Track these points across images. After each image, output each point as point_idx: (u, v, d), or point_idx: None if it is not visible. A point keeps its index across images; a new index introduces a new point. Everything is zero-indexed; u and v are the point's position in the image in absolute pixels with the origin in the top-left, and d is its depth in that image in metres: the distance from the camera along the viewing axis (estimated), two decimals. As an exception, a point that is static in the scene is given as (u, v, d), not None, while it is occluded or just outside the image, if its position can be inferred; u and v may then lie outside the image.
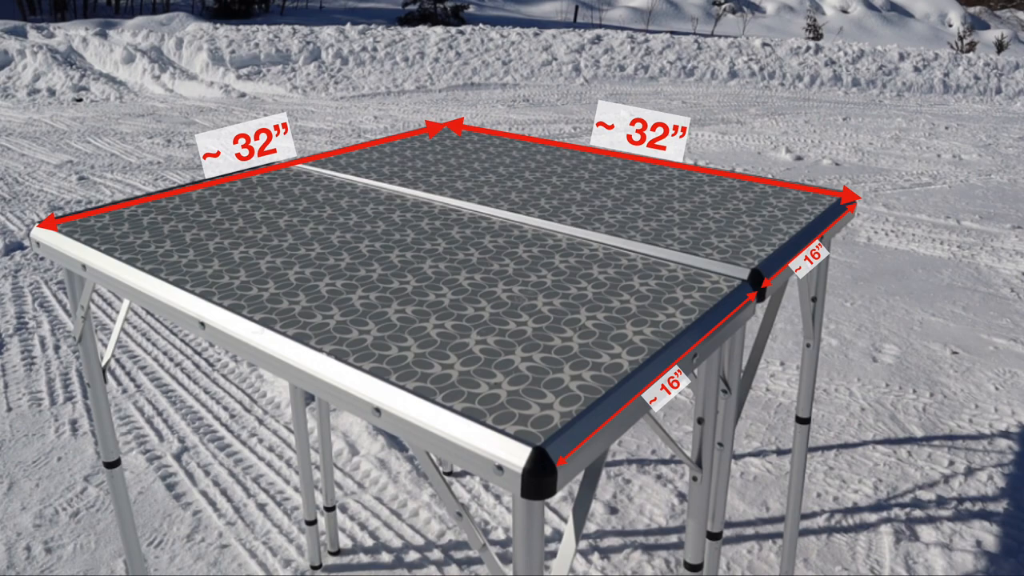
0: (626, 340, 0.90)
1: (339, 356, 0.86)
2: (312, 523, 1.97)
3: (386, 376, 0.82)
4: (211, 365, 3.03)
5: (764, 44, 11.33)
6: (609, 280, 1.05)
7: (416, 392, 0.79)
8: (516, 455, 0.70)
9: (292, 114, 7.93)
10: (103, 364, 1.40)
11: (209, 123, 7.44)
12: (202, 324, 0.98)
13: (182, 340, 3.21)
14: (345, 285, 1.03)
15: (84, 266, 1.17)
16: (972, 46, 15.40)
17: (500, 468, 0.71)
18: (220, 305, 0.98)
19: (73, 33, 10.92)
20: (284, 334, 0.90)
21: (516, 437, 0.72)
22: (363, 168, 1.58)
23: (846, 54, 10.90)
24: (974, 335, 3.29)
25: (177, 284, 1.04)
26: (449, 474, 2.41)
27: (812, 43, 11.28)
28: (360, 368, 0.83)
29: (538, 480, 0.69)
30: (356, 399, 0.81)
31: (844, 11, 21.19)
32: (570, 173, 1.55)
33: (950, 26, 19.80)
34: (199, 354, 3.11)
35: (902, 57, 10.95)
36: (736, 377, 1.20)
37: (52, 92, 9.12)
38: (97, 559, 2.06)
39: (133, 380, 2.92)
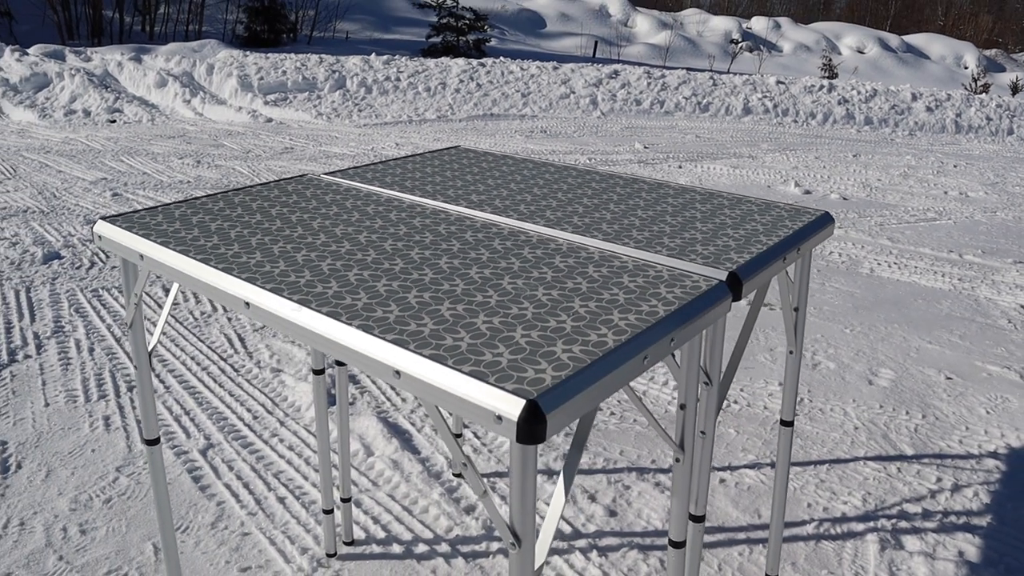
0: (612, 324, 1.04)
1: (366, 329, 1.01)
2: (329, 512, 2.11)
3: (406, 345, 0.97)
4: (236, 371, 3.19)
5: (778, 82, 11.53)
6: (602, 277, 1.20)
7: (430, 358, 0.94)
8: (513, 407, 0.85)
9: (316, 139, 8.18)
10: (149, 349, 1.56)
11: (237, 146, 7.69)
12: (247, 304, 1.13)
13: (208, 347, 3.38)
14: (371, 275, 1.19)
15: (141, 256, 1.33)
16: (986, 88, 15.55)
17: (499, 418, 0.85)
18: (263, 288, 1.13)
19: (109, 57, 11.29)
20: (319, 311, 1.06)
21: (513, 392, 0.86)
22: (387, 180, 1.74)
23: (859, 93, 11.07)
24: (969, 362, 3.40)
25: (225, 271, 1.20)
26: (458, 475, 2.54)
27: (826, 81, 11.47)
28: (384, 339, 0.98)
29: (531, 428, 0.84)
30: (380, 364, 0.96)
31: (860, 51, 21.42)
32: (575, 190, 1.70)
33: (966, 68, 19.97)
34: (224, 360, 3.27)
35: (915, 97, 11.10)
36: (717, 371, 1.34)
37: (88, 113, 9.43)
38: (127, 541, 2.21)
39: (163, 382, 3.08)
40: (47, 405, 2.90)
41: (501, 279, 1.18)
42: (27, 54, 11.64)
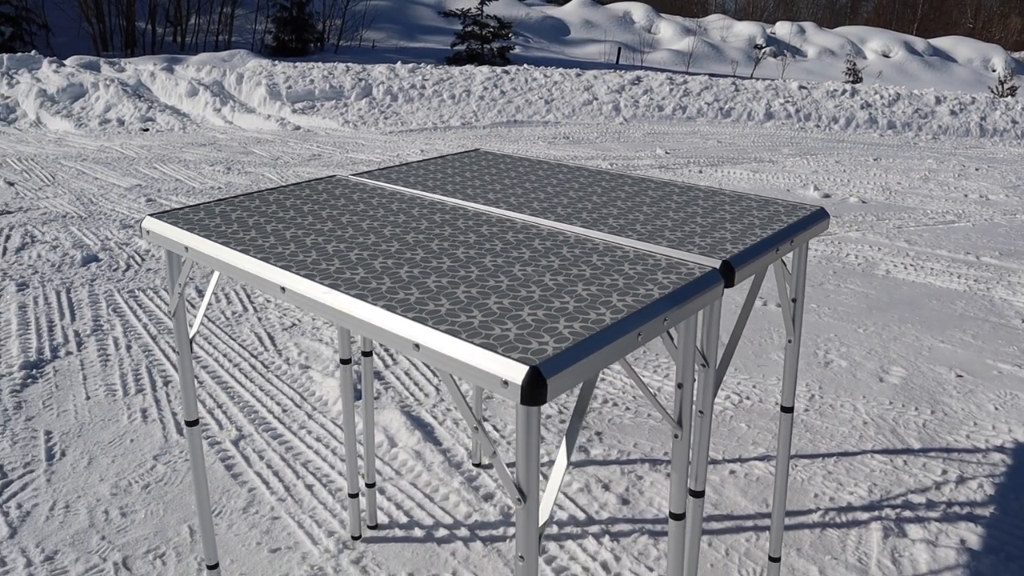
0: (611, 304, 1.15)
1: (389, 309, 1.12)
2: (354, 496, 2.23)
3: (424, 322, 1.08)
4: (266, 367, 3.33)
5: (801, 87, 11.55)
6: (604, 265, 1.31)
7: (446, 332, 1.05)
8: (517, 373, 0.96)
9: (343, 146, 8.35)
10: (191, 336, 1.69)
11: (266, 153, 7.89)
12: (283, 288, 1.26)
13: (239, 344, 3.52)
14: (394, 263, 1.31)
15: (186, 248, 1.46)
16: (1013, 90, 15.41)
17: (506, 383, 0.97)
18: (297, 274, 1.26)
19: (142, 68, 11.58)
20: (347, 294, 1.18)
21: (518, 360, 0.98)
22: (411, 181, 1.87)
23: (882, 97, 11.06)
24: (980, 360, 3.45)
25: (263, 260, 1.32)
26: (478, 465, 2.65)
27: (849, 86, 11.47)
28: (405, 316, 1.10)
29: (533, 391, 0.95)
30: (401, 338, 1.08)
31: (886, 55, 21.30)
32: (585, 188, 1.81)
33: (993, 71, 19.79)
34: (255, 357, 3.41)
35: (939, 100, 11.07)
36: (714, 354, 1.44)
37: (121, 122, 9.70)
38: (165, 523, 2.34)
39: (196, 377, 3.22)
40: (88, 398, 3.05)
41: (512, 266, 1.30)
42: (64, 65, 11.98)
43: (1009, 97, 12.27)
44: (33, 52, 12.72)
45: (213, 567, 1.96)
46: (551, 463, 2.66)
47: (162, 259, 4.60)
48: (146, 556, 2.21)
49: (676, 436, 1.37)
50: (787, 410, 1.84)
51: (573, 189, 1.81)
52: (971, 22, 35.78)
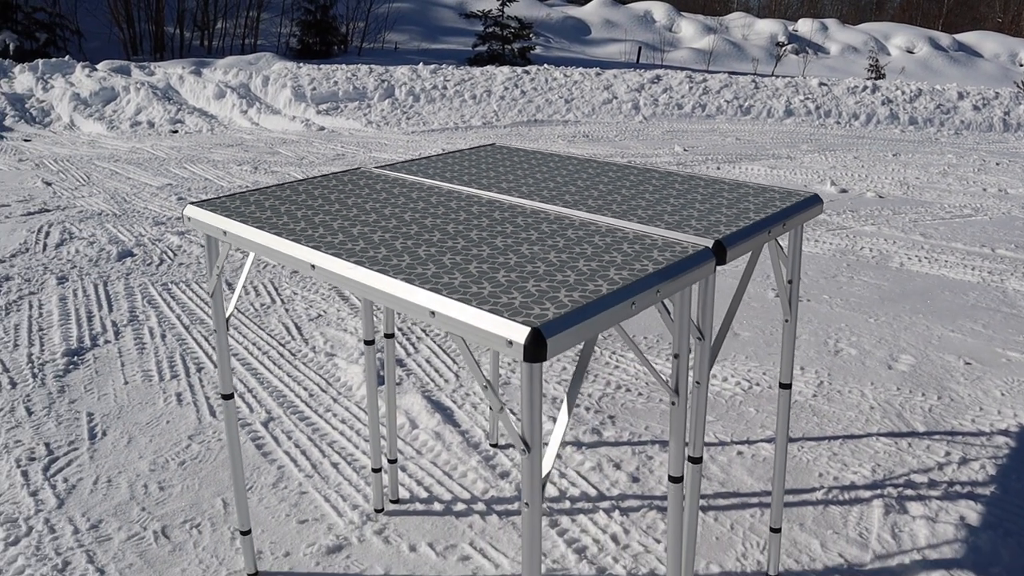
0: (608, 277, 1.27)
1: (408, 281, 1.25)
2: (377, 471, 2.36)
3: (439, 292, 1.21)
4: (293, 355, 3.47)
5: (821, 84, 11.56)
6: (605, 245, 1.43)
7: (459, 300, 1.18)
8: (520, 334, 1.08)
9: (366, 146, 8.52)
10: (227, 315, 1.83)
11: (291, 153, 8.08)
12: (313, 266, 1.39)
13: (268, 334, 3.67)
14: (413, 243, 1.43)
15: (224, 232, 1.60)
16: (1039, 86, 15.25)
17: (511, 343, 1.09)
18: (326, 253, 1.39)
19: (171, 71, 11.85)
20: (371, 269, 1.30)
21: (522, 323, 1.10)
22: (430, 172, 1.99)
23: (904, 93, 11.04)
24: (989, 349, 3.52)
25: (294, 241, 1.45)
26: (495, 446, 2.78)
27: (870, 82, 11.45)
28: (422, 287, 1.22)
29: (534, 349, 1.07)
30: (419, 307, 1.21)
31: (910, 51, 21.15)
32: (593, 178, 1.93)
33: (1021, 65, 19.58)
34: (283, 345, 3.56)
35: (961, 96, 11.03)
36: (709, 327, 1.55)
37: (151, 124, 9.95)
38: (200, 497, 2.49)
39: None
40: (126, 383, 3.22)
41: (520, 246, 1.42)
42: (96, 70, 12.28)
43: (1034, 92, 12.18)
44: (67, 57, 13.05)
45: (246, 533, 2.10)
46: (578, 444, 2.78)
47: (193, 254, 4.78)
48: (183, 526, 2.35)
49: (673, 403, 1.49)
50: (785, 387, 1.94)
51: (581, 179, 1.92)
52: (1000, 16, 35.29)
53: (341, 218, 1.59)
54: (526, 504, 1.20)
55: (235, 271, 4.49)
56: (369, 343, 2.20)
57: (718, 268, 4.61)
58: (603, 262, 1.34)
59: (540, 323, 1.09)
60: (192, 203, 1.72)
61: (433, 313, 1.19)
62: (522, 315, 1.12)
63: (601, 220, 1.57)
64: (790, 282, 1.85)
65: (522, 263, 1.33)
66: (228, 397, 1.92)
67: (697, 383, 1.58)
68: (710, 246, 1.43)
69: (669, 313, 1.48)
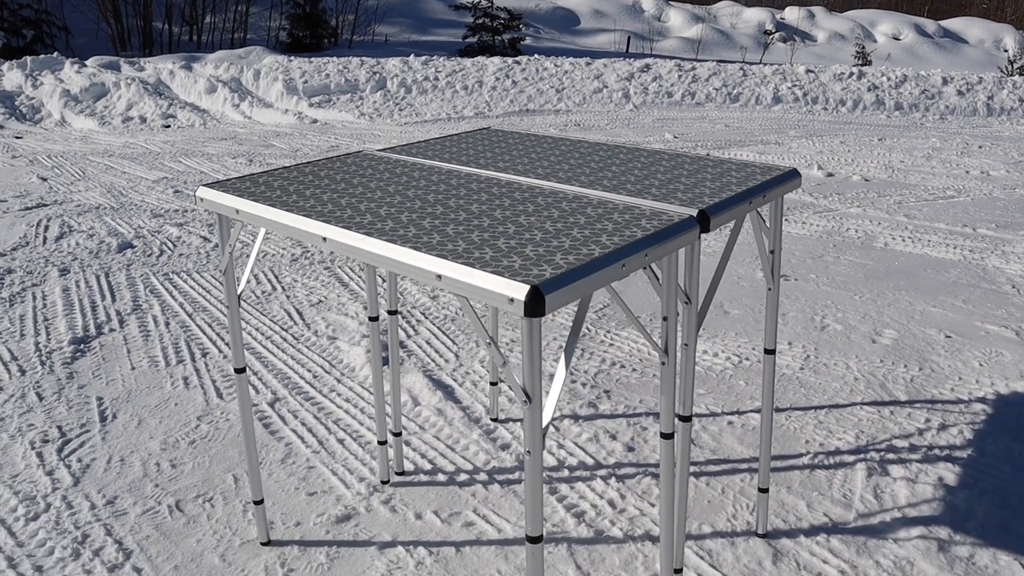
0: (601, 243, 1.37)
1: (416, 248, 1.35)
2: (383, 443, 2.46)
3: (445, 257, 1.31)
4: (296, 339, 3.57)
5: (808, 71, 11.67)
6: (597, 215, 1.53)
7: (464, 263, 1.28)
8: (521, 291, 1.18)
9: (360, 138, 8.59)
10: (239, 292, 1.92)
11: (285, 146, 8.14)
12: (324, 238, 1.48)
13: (271, 320, 3.76)
14: (418, 216, 1.53)
15: (237, 210, 1.69)
16: (1023, 69, 15.42)
17: (512, 300, 1.19)
18: (336, 226, 1.48)
19: (161, 66, 11.87)
20: (380, 239, 1.40)
21: (522, 282, 1.20)
22: (429, 154, 2.09)
23: (889, 79, 11.16)
24: (969, 323, 3.64)
25: (305, 216, 1.55)
26: (495, 420, 2.88)
27: (856, 69, 11.57)
28: (429, 253, 1.32)
29: (534, 304, 1.17)
30: (426, 271, 1.30)
31: (896, 38, 21.28)
32: (584, 157, 2.03)
33: (1005, 51, 19.75)
34: (285, 330, 3.65)
35: (945, 81, 11.16)
36: (695, 292, 1.66)
37: (143, 119, 9.99)
38: (211, 473, 2.59)
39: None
40: (133, 369, 3.30)
41: (518, 217, 1.52)
42: (85, 66, 12.29)
43: (1018, 76, 12.33)
44: (55, 54, 13.04)
45: (259, 503, 2.20)
46: (575, 416, 2.88)
47: (192, 245, 4.85)
48: (196, 500, 2.45)
49: (663, 363, 1.59)
50: (769, 352, 2.05)
51: (573, 158, 2.02)
52: (985, 3, 35.46)
53: (348, 195, 1.69)
54: (528, 452, 1.30)
55: (237, 259, 4.57)
56: (373, 319, 2.29)
57: (705, 241, 4.71)
58: (595, 230, 1.44)
59: (538, 282, 1.19)
60: (205, 185, 1.81)
61: (439, 276, 1.28)
62: (522, 275, 1.22)
63: (593, 194, 1.67)
64: (772, 252, 1.95)
65: (520, 231, 1.43)
66: (240, 371, 2.02)
67: (685, 345, 1.69)
68: (695, 215, 1.53)
69: (658, 279, 1.58)
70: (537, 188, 1.73)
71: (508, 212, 1.55)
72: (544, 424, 1.29)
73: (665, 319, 1.56)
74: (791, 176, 1.87)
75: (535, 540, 1.35)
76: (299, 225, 1.54)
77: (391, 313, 2.36)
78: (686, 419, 1.75)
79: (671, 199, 1.63)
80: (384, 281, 4.06)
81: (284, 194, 1.72)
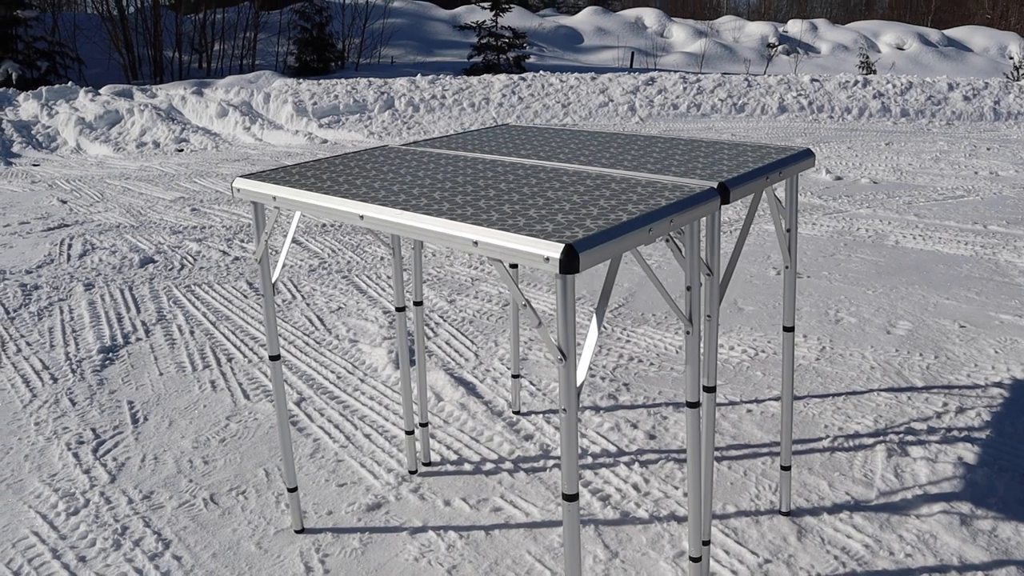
0: (627, 210, 1.43)
1: (451, 217, 1.42)
2: (410, 433, 2.52)
3: (480, 224, 1.37)
4: (318, 343, 3.63)
5: (813, 80, 11.76)
6: (621, 189, 1.60)
7: (500, 228, 1.34)
8: (556, 250, 1.25)
9: (370, 155, 8.71)
10: (273, 281, 1.99)
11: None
12: (361, 216, 1.55)
13: (292, 326, 3.83)
14: (450, 194, 1.60)
15: (274, 197, 1.76)
16: (1028, 75, 15.47)
17: (547, 258, 1.25)
18: (372, 203, 1.55)
19: (173, 92, 12.07)
20: (416, 213, 1.47)
21: (557, 241, 1.26)
22: (451, 146, 2.16)
23: (895, 86, 11.24)
24: (983, 313, 3.68)
25: (342, 197, 1.62)
26: (518, 413, 2.93)
27: (861, 77, 11.66)
28: (466, 222, 1.39)
29: (568, 261, 1.23)
30: (463, 238, 1.37)
31: (900, 48, 21.40)
32: (602, 144, 2.10)
33: (1011, 58, 19.83)
34: (307, 335, 3.72)
35: (951, 87, 11.23)
36: (717, 265, 1.72)
37: (157, 144, 10.15)
38: (243, 468, 2.65)
39: (256, 354, 3.54)
40: (161, 374, 3.38)
41: (546, 192, 1.58)
42: (99, 94, 12.49)
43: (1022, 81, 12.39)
44: (69, 83, 13.26)
45: (292, 490, 2.26)
46: (596, 408, 2.93)
47: (212, 259, 4.94)
48: (230, 493, 2.51)
49: (688, 332, 1.65)
50: (788, 329, 2.10)
51: (592, 145, 2.09)
52: (988, 13, 35.59)
53: (380, 180, 1.76)
54: (564, 410, 1.35)
55: (254, 271, 4.65)
56: (400, 309, 2.36)
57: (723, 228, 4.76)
58: (620, 200, 1.50)
59: (572, 241, 1.26)
60: (241, 176, 1.88)
61: (476, 243, 1.35)
62: (555, 237, 1.29)
63: (615, 172, 1.74)
64: (788, 231, 2.01)
65: (550, 203, 1.50)
66: (275, 358, 2.08)
67: (708, 317, 1.75)
68: (715, 186, 1.59)
69: (681, 252, 1.64)
70: (561, 170, 1.80)
71: (536, 189, 1.62)
72: (579, 382, 1.35)
73: (689, 289, 1.62)
74: (805, 155, 1.94)
75: (571, 498, 1.41)
76: (336, 205, 1.61)
77: (416, 304, 2.42)
78: (710, 390, 1.80)
79: (691, 175, 1.69)
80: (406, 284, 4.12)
81: (318, 181, 1.79)
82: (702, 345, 1.72)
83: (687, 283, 1.62)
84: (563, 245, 1.24)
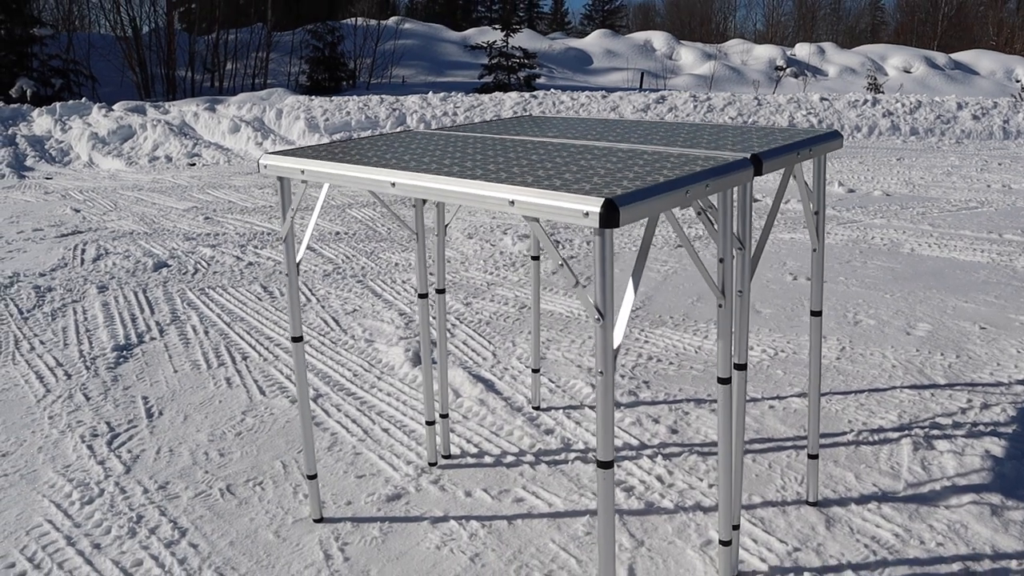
0: (664, 174, 1.42)
1: (486, 180, 1.40)
2: (431, 423, 2.49)
3: (517, 183, 1.36)
4: (334, 343, 3.61)
5: (822, 99, 11.80)
6: (653, 159, 1.58)
7: (537, 187, 1.33)
8: (596, 204, 1.23)
9: (381, 169, 8.74)
10: (297, 261, 1.98)
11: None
12: (393, 183, 1.54)
13: (307, 327, 3.82)
14: (482, 162, 1.59)
15: (302, 170, 1.76)
16: (1036, 97, 15.52)
17: (587, 213, 1.24)
18: (405, 171, 1.54)
19: (185, 109, 12.16)
20: (449, 177, 1.46)
21: (596, 196, 1.25)
22: (476, 131, 2.16)
23: (903, 105, 11.26)
24: (1003, 315, 3.64)
25: (372, 167, 1.61)
26: (538, 408, 2.90)
27: (870, 96, 11.69)
28: (502, 183, 1.38)
29: (608, 214, 1.22)
30: (500, 199, 1.36)
31: (907, 71, 21.50)
32: (628, 128, 2.09)
33: (1017, 81, 19.90)
34: (323, 336, 3.70)
35: (960, 106, 11.25)
36: (748, 238, 1.70)
37: (169, 159, 10.21)
38: (260, 460, 2.62)
39: (272, 353, 3.52)
40: (175, 371, 3.36)
41: (578, 161, 1.57)
42: (112, 110, 12.60)
43: (1031, 101, 12.41)
44: (83, 100, 13.38)
45: (312, 477, 2.23)
46: (617, 404, 2.90)
47: (226, 264, 4.94)
48: (246, 484, 2.48)
49: (720, 305, 1.63)
50: (816, 314, 2.08)
51: (618, 129, 2.09)
52: (993, 39, 35.78)
53: (409, 153, 1.76)
54: (600, 373, 1.33)
55: (268, 275, 4.64)
56: (423, 296, 2.34)
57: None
58: (655, 167, 1.49)
59: (611, 196, 1.24)
60: (268, 153, 1.88)
61: (512, 202, 1.34)
62: (596, 192, 1.27)
63: (646, 147, 1.73)
64: (816, 213, 1.99)
65: (584, 169, 1.49)
66: (298, 340, 2.07)
67: (740, 292, 1.73)
68: (748, 156, 1.58)
69: (714, 225, 1.63)
70: (590, 147, 1.79)
71: (568, 159, 1.61)
72: (615, 344, 1.33)
73: (721, 261, 1.60)
74: (833, 136, 1.93)
75: (606, 465, 1.38)
76: (367, 175, 1.60)
77: (439, 292, 2.41)
78: (741, 367, 1.78)
79: (723, 148, 1.68)
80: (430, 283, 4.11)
81: (347, 156, 1.79)
82: (734, 322, 1.70)
83: (719, 255, 1.60)
84: (603, 199, 1.22)
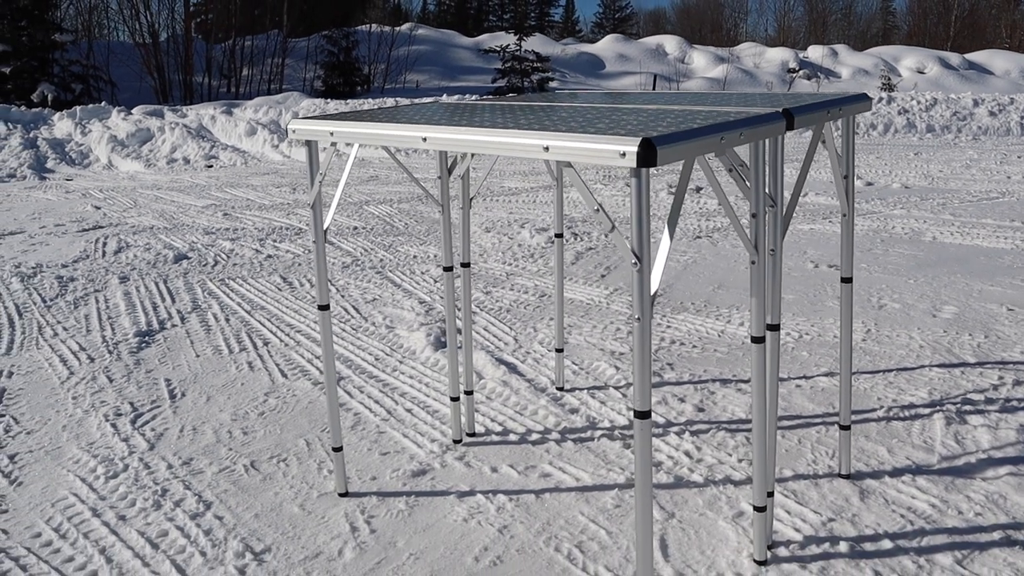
0: (697, 123, 1.41)
1: (519, 129, 1.39)
2: (456, 399, 2.48)
3: (550, 131, 1.35)
4: (355, 330, 3.61)
5: (838, 97, 11.73)
6: (684, 115, 1.57)
7: (570, 132, 1.32)
8: (633, 145, 1.22)
9: (398, 169, 8.76)
10: (324, 227, 1.98)
11: (327, 178, 8.32)
12: (424, 139, 1.54)
13: (328, 313, 3.82)
14: (513, 118, 1.58)
15: (331, 132, 1.75)
16: (1054, 94, 15.38)
17: (623, 154, 1.23)
18: (437, 125, 1.54)
19: (203, 112, 12.25)
20: (480, 129, 1.45)
21: (633, 137, 1.23)
22: (502, 101, 2.15)
23: (919, 103, 11.19)
24: (1031, 298, 3.60)
25: (402, 124, 1.61)
26: (561, 389, 2.88)
27: (885, 94, 11.63)
28: (535, 130, 1.37)
29: (646, 153, 1.21)
30: (534, 145, 1.35)
31: (920, 72, 21.38)
32: (653, 95, 2.08)
33: (1034, 81, 19.76)
34: (344, 323, 3.70)
35: (976, 103, 11.16)
36: (780, 195, 1.68)
37: (187, 160, 10.27)
38: (283, 439, 2.61)
39: (293, 339, 3.52)
40: (197, 356, 3.36)
41: (610, 116, 1.56)
42: (131, 114, 12.70)
43: (1050, 98, 12.29)
44: (103, 104, 13.50)
45: (338, 450, 2.22)
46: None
47: (245, 256, 4.95)
48: (270, 460, 2.47)
49: (753, 261, 1.61)
50: (846, 280, 2.05)
51: (644, 96, 2.07)
52: (1007, 40, 35.55)
53: (439, 115, 1.75)
54: (637, 319, 1.32)
55: (287, 267, 4.65)
56: (448, 269, 2.33)
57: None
58: (687, 118, 1.48)
59: (648, 137, 1.23)
60: (295, 118, 1.88)
61: (547, 148, 1.32)
62: (633, 135, 1.26)
63: (675, 107, 1.72)
64: (845, 177, 1.97)
65: (616, 120, 1.48)
66: (324, 308, 2.06)
67: (772, 251, 1.71)
68: (780, 111, 1.57)
69: (746, 182, 1.61)
70: (620, 107, 1.77)
71: (599, 114, 1.60)
72: (653, 289, 1.31)
73: (754, 216, 1.59)
74: (862, 98, 1.91)
75: (643, 415, 1.37)
76: (398, 132, 1.59)
77: (464, 266, 2.40)
78: (774, 328, 1.75)
79: (753, 106, 1.67)
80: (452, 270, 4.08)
81: (374, 120, 1.78)
82: (767, 282, 1.68)
83: (752, 210, 1.59)
84: (641, 138, 1.21)
